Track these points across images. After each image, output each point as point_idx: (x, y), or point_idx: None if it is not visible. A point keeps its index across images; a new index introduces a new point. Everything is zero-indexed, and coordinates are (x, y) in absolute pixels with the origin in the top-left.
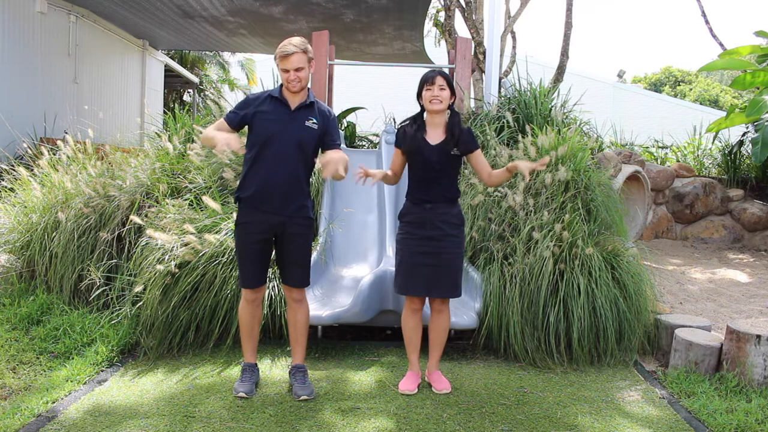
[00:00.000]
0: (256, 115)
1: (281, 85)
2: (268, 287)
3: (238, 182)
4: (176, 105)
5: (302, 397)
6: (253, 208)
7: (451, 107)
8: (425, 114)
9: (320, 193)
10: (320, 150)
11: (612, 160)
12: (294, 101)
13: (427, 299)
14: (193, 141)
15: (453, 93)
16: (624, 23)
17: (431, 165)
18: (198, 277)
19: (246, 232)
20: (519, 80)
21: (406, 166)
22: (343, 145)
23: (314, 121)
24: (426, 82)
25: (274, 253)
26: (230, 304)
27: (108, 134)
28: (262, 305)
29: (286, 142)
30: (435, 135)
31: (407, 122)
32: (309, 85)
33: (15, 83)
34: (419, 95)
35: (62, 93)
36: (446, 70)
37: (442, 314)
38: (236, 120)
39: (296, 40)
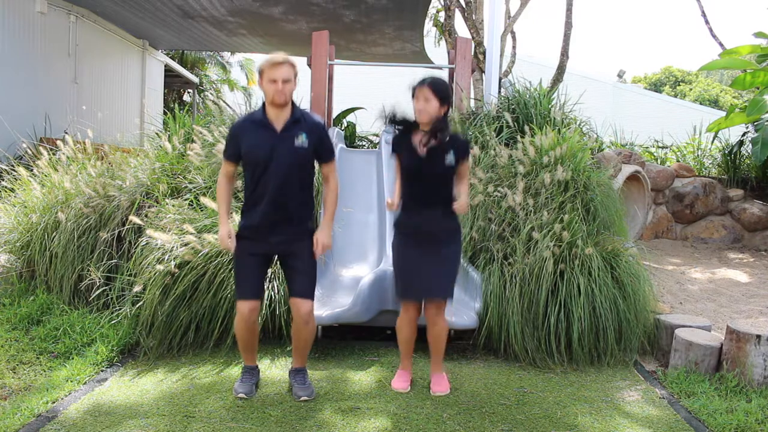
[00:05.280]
0: (243, 145)
1: (263, 106)
2: (268, 287)
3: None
4: (176, 105)
5: (302, 398)
6: (256, 233)
7: (444, 114)
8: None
9: (320, 193)
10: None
11: (612, 160)
12: (279, 120)
13: (422, 309)
14: (192, 141)
15: (444, 102)
16: (624, 23)
17: (420, 174)
18: (198, 277)
19: (246, 246)
20: (517, 81)
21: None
22: (342, 145)
23: (303, 138)
24: (413, 94)
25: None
26: (230, 304)
27: (108, 134)
28: (261, 305)
29: (278, 168)
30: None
31: (400, 128)
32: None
33: (15, 83)
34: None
35: (62, 93)
36: (446, 70)
37: (437, 325)
38: (234, 156)
39: (283, 54)
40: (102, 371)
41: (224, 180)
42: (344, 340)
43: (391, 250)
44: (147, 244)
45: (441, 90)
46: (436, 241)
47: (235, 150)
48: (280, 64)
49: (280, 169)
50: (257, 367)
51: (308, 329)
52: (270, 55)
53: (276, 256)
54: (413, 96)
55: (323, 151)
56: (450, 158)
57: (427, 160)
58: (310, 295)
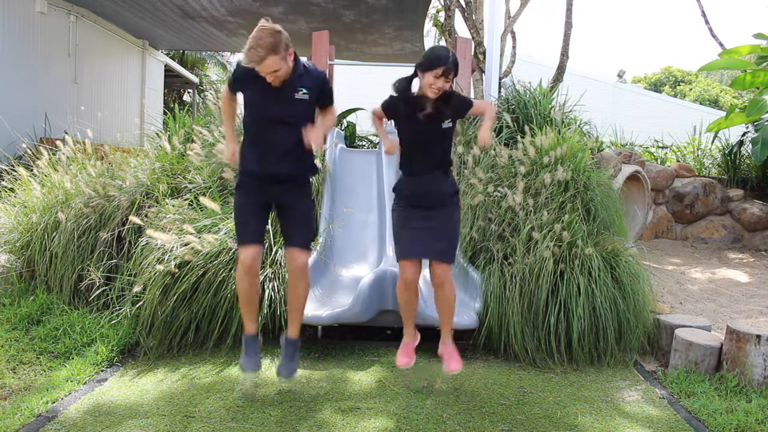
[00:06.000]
0: (245, 90)
1: None
2: (268, 287)
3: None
4: (176, 105)
5: (281, 377)
6: (253, 178)
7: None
8: (417, 86)
9: (320, 193)
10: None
11: (612, 160)
12: None
13: (429, 277)
14: (192, 141)
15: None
16: (624, 23)
17: (421, 138)
18: (198, 277)
19: (245, 192)
20: (517, 81)
21: (397, 138)
22: (342, 145)
23: (304, 91)
24: (434, 68)
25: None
26: (230, 304)
27: (108, 134)
28: (261, 306)
29: (276, 118)
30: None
31: (397, 94)
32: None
33: (15, 83)
34: (422, 69)
35: (62, 93)
36: None
37: (444, 286)
38: (235, 91)
39: (264, 40)
40: (102, 371)
41: (227, 102)
42: (344, 340)
43: (391, 215)
44: (147, 244)
45: (457, 67)
46: (438, 205)
47: (236, 88)
48: (261, 61)
49: (276, 119)
50: (258, 336)
51: (303, 282)
52: (246, 49)
53: (274, 205)
54: (436, 74)
55: (323, 100)
56: (448, 122)
57: (426, 125)
58: (306, 246)
